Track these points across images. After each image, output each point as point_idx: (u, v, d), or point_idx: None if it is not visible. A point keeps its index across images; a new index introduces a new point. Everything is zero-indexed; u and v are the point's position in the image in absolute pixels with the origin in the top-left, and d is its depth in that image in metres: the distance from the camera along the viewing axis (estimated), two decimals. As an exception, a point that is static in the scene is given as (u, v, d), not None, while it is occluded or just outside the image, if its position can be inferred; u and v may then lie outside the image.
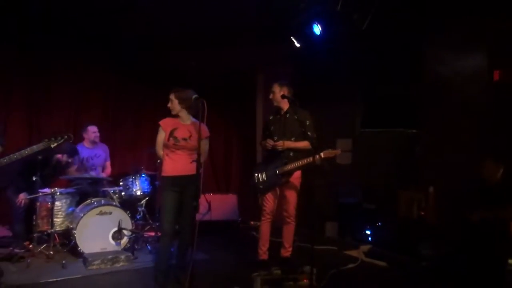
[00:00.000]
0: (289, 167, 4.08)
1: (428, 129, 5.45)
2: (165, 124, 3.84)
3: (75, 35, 5.84)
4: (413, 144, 5.68)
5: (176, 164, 3.78)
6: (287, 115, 4.23)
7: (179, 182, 3.75)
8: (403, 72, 5.73)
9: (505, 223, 4.07)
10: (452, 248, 4.40)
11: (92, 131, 5.37)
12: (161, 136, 3.84)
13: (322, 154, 3.86)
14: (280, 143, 4.12)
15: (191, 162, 3.65)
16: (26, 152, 3.54)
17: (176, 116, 3.87)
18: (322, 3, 4.80)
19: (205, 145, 3.87)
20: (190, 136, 3.79)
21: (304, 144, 4.16)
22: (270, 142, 4.17)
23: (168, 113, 3.92)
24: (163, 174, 3.82)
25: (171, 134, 3.77)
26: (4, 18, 5.21)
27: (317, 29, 5.34)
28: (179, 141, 3.75)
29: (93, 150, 5.38)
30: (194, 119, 3.90)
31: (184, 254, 3.89)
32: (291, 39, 5.93)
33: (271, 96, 4.31)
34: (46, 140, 3.64)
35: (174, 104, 3.82)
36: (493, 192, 4.14)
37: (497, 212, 4.00)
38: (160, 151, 3.89)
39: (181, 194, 3.78)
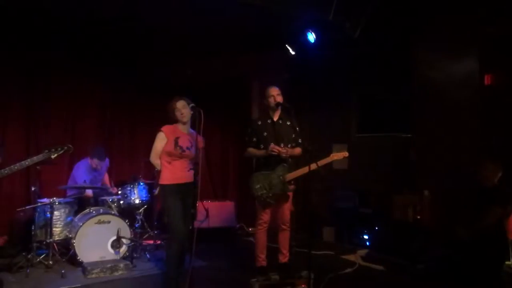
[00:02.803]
0: (293, 174, 4.04)
1: (422, 133, 5.52)
2: (169, 132, 3.81)
3: (71, 46, 5.89)
4: (407, 148, 5.74)
5: (179, 172, 3.80)
6: (280, 122, 4.20)
7: (182, 189, 3.77)
8: (397, 78, 5.82)
9: (500, 225, 4.13)
10: (448, 250, 4.44)
11: (95, 163, 5.39)
12: (162, 143, 3.79)
13: (332, 155, 3.96)
14: (283, 150, 4.02)
15: (188, 170, 3.73)
16: (27, 163, 3.58)
17: (173, 124, 3.89)
18: (315, 12, 4.87)
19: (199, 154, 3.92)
20: (191, 145, 3.83)
21: (299, 151, 4.19)
22: (277, 148, 4.01)
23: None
24: (166, 182, 3.77)
25: (176, 143, 3.76)
26: (2, 31, 5.27)
27: (311, 37, 5.43)
28: (184, 150, 3.78)
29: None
30: (192, 130, 3.93)
31: (183, 261, 3.93)
32: (286, 46, 6.02)
33: (272, 100, 4.13)
34: (47, 151, 3.68)
35: (185, 111, 3.82)
36: (488, 194, 4.18)
37: (482, 223, 4.05)
38: (157, 158, 3.83)
39: (182, 201, 3.81)
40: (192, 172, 3.71)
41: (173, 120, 3.90)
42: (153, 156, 3.85)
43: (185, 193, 3.77)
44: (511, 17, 4.64)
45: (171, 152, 3.75)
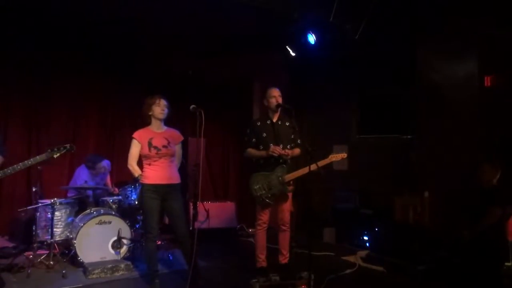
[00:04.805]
0: (292, 174, 4.05)
1: (423, 134, 5.53)
2: (140, 136, 3.90)
3: (73, 46, 5.91)
4: (408, 150, 5.74)
5: (160, 172, 3.85)
6: (279, 123, 4.20)
7: (161, 189, 3.83)
8: (397, 79, 5.83)
9: (500, 226, 4.13)
10: (448, 252, 4.44)
11: (102, 165, 5.42)
12: (137, 149, 3.87)
13: (331, 157, 3.99)
14: (284, 152, 4.01)
15: (172, 170, 3.89)
16: (30, 162, 3.60)
17: (144, 127, 3.97)
18: (316, 14, 4.89)
19: (179, 150, 4.06)
20: (169, 142, 3.90)
21: (298, 151, 4.20)
22: (277, 149, 4.01)
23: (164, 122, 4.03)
24: (146, 181, 3.84)
25: (149, 144, 3.83)
26: (3, 31, 5.29)
27: (311, 38, 5.44)
28: (160, 149, 3.83)
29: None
30: (166, 127, 4.03)
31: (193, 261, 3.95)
32: (287, 48, 6.04)
33: (273, 101, 4.11)
34: (49, 150, 3.70)
35: (166, 110, 3.97)
36: (488, 195, 4.19)
37: (482, 224, 4.06)
38: (134, 164, 3.90)
39: (163, 202, 3.86)
40: (176, 173, 3.86)
41: (146, 118, 3.99)
42: (129, 162, 3.93)
43: (167, 195, 3.84)
44: (511, 19, 4.64)
45: (147, 154, 3.83)
